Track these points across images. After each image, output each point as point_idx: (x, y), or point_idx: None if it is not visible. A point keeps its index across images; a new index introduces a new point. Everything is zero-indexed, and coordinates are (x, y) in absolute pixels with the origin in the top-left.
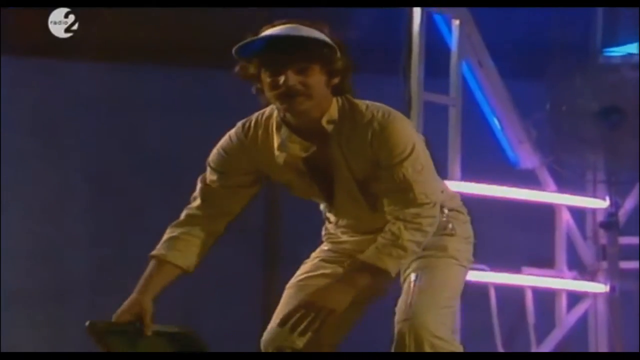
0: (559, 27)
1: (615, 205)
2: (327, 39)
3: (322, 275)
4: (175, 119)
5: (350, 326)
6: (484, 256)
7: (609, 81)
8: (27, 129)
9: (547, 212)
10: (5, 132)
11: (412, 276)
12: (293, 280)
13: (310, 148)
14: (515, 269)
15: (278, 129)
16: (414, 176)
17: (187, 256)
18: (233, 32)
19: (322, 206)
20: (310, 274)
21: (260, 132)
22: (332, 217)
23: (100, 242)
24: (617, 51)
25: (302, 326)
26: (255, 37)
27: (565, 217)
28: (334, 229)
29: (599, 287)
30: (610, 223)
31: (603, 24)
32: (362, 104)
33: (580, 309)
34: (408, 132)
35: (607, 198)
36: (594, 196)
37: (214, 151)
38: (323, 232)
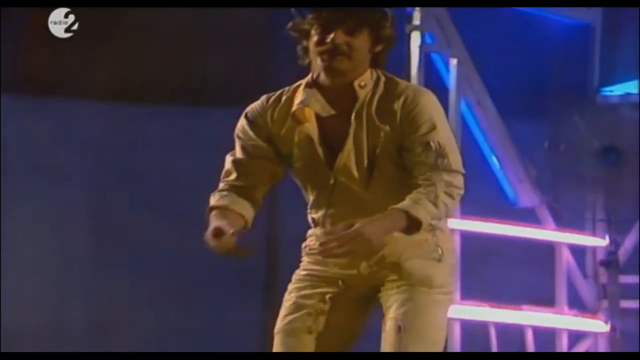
0: (557, 66)
1: (615, 244)
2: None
3: (307, 314)
4: (173, 158)
5: (356, 335)
6: (484, 294)
7: (607, 120)
8: (27, 167)
9: (547, 250)
10: (5, 171)
11: (398, 320)
12: (279, 324)
13: (330, 111)
14: (516, 307)
15: (305, 88)
16: (448, 143)
17: (247, 209)
18: (228, 72)
19: (309, 205)
20: (293, 315)
21: (283, 100)
22: (320, 212)
23: (100, 282)
24: (615, 90)
25: (337, 246)
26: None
27: (565, 256)
28: (318, 230)
29: (600, 326)
30: (610, 262)
31: (600, 63)
32: (393, 77)
33: (580, 348)
34: (438, 104)
35: (607, 236)
36: (594, 234)
37: (239, 121)
38: (303, 245)
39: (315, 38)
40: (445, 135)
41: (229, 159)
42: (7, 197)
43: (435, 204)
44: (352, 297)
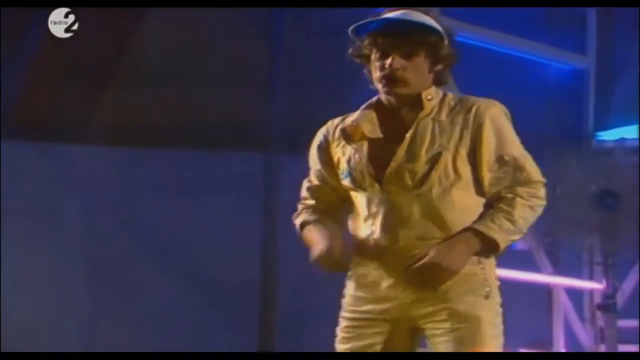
0: (552, 111)
1: (613, 288)
2: (436, 26)
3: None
4: (171, 200)
5: None
6: None
7: (603, 165)
8: (27, 211)
9: (544, 293)
10: (5, 215)
11: None
12: None
13: (378, 134)
14: (513, 351)
15: (365, 108)
16: (522, 154)
17: (335, 222)
18: (227, 116)
19: (354, 225)
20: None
21: (346, 120)
22: (365, 229)
23: (98, 325)
24: (610, 135)
25: (426, 281)
26: (371, 19)
27: (563, 299)
28: (364, 253)
29: None
30: (607, 305)
31: (595, 108)
32: (460, 95)
33: None
34: (508, 116)
35: (604, 280)
36: (591, 278)
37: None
38: (348, 274)
39: (376, 63)
40: (518, 147)
41: (304, 184)
42: (6, 242)
43: (512, 221)
44: (399, 338)
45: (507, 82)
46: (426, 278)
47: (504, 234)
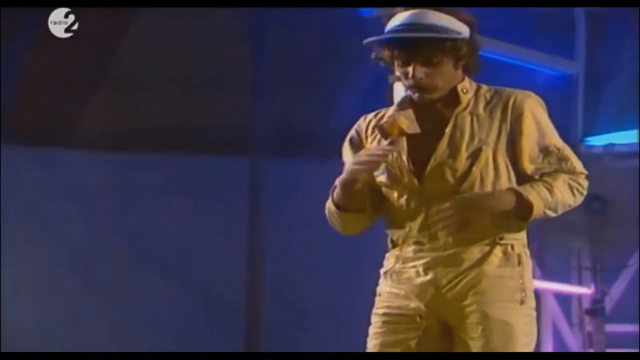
0: None
1: (601, 292)
2: (451, 29)
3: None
4: (158, 203)
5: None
6: None
7: (592, 170)
8: (23, 215)
9: None
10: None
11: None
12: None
13: (416, 129)
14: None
15: (402, 102)
16: (564, 145)
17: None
18: (213, 120)
19: (388, 225)
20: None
21: (381, 114)
22: (401, 230)
23: (88, 327)
24: (599, 140)
25: (441, 222)
26: (381, 37)
27: (551, 304)
28: (398, 251)
29: None
30: (596, 310)
31: (584, 114)
32: (494, 87)
33: None
34: (545, 108)
35: (593, 285)
36: (580, 283)
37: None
38: (383, 271)
39: (399, 70)
40: (558, 138)
41: (338, 179)
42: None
43: (550, 191)
44: (432, 336)
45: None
46: (461, 212)
47: (540, 200)
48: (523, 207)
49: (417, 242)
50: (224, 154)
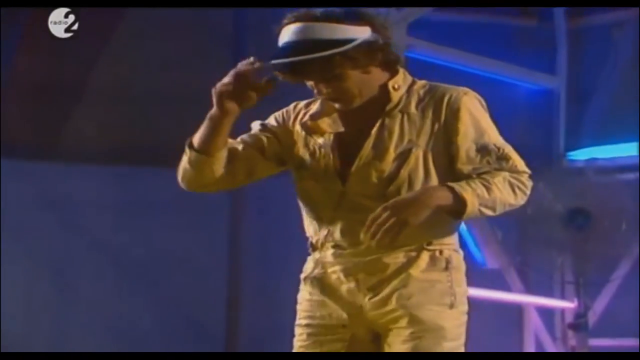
0: (523, 131)
1: (584, 307)
2: (341, 39)
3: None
4: (137, 218)
5: None
6: None
7: (574, 184)
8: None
9: (515, 312)
10: None
11: None
12: None
13: (339, 128)
14: None
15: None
16: (504, 144)
17: (224, 153)
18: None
19: (307, 227)
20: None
21: (311, 106)
22: (321, 231)
23: (66, 341)
24: (581, 155)
25: (379, 229)
26: (267, 64)
27: (534, 318)
28: (318, 254)
29: None
30: (579, 324)
31: (565, 129)
32: (430, 82)
33: None
34: (484, 105)
35: (576, 299)
36: (563, 297)
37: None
38: (303, 276)
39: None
40: (498, 137)
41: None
42: None
43: (488, 188)
44: (360, 345)
45: None
46: (398, 214)
47: (475, 197)
48: (457, 204)
49: (336, 246)
50: None
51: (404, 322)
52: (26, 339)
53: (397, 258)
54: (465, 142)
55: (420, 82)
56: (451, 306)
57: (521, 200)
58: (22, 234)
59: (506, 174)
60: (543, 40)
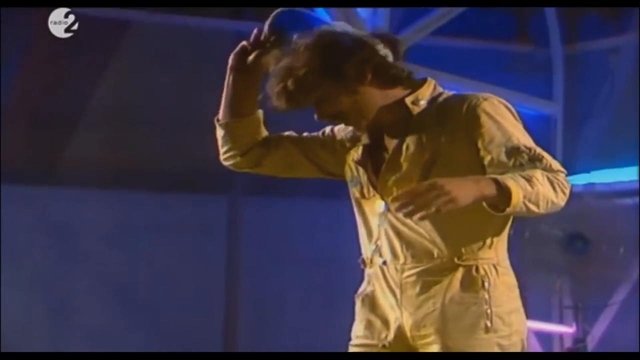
0: None
1: (583, 331)
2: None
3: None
4: (136, 241)
5: None
6: None
7: (573, 209)
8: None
9: None
10: None
11: None
12: None
13: (363, 142)
14: None
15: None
16: (535, 146)
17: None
18: (191, 159)
19: (361, 243)
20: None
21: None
22: (369, 247)
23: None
24: (578, 180)
25: (422, 200)
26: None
27: (532, 343)
28: (368, 270)
29: None
30: (577, 349)
31: (563, 154)
32: (452, 92)
33: None
34: (509, 107)
35: (574, 324)
36: (561, 322)
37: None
38: (357, 295)
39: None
40: (528, 138)
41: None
42: None
43: (530, 182)
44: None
45: None
46: (423, 199)
47: (519, 188)
48: (501, 194)
49: (383, 262)
50: (201, 192)
51: (436, 348)
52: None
53: (431, 274)
54: (493, 148)
55: (446, 93)
56: (486, 330)
57: (562, 199)
58: (22, 258)
59: (543, 171)
60: (540, 66)
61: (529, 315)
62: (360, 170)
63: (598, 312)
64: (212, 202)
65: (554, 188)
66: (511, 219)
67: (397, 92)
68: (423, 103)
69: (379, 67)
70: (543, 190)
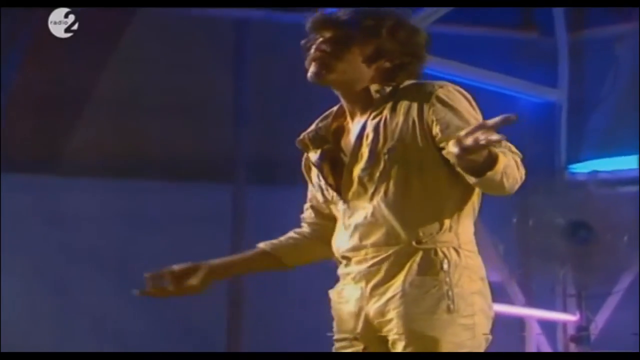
0: (524, 144)
1: (586, 319)
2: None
3: None
4: (140, 231)
5: None
6: None
7: (576, 197)
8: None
9: (517, 325)
10: None
11: None
12: None
13: (325, 145)
14: None
15: (324, 117)
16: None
17: (286, 248)
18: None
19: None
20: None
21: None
22: (336, 244)
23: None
24: (582, 168)
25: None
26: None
27: (536, 331)
28: (342, 268)
29: None
30: (581, 337)
31: (567, 142)
32: (413, 81)
33: None
34: (465, 94)
35: (578, 312)
36: (564, 310)
37: None
38: (331, 293)
39: None
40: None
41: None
42: None
43: (504, 153)
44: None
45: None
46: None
47: (504, 157)
48: (488, 160)
49: (344, 257)
50: (206, 181)
51: (399, 333)
52: (26, 350)
53: (390, 262)
54: (450, 133)
55: (408, 82)
56: (449, 311)
57: (520, 181)
58: (22, 247)
59: (506, 150)
60: (544, 53)
61: (533, 303)
62: (319, 174)
63: (602, 300)
64: (217, 190)
65: (518, 169)
66: (474, 205)
67: (379, 81)
68: (385, 92)
69: (394, 35)
70: (510, 163)
